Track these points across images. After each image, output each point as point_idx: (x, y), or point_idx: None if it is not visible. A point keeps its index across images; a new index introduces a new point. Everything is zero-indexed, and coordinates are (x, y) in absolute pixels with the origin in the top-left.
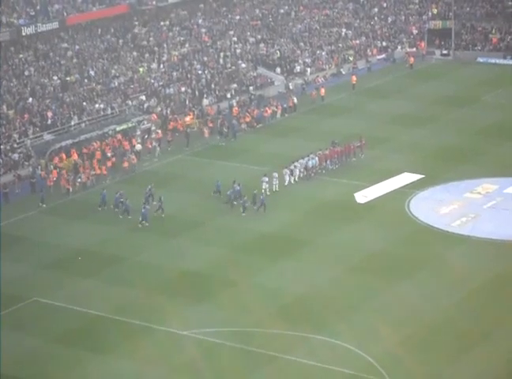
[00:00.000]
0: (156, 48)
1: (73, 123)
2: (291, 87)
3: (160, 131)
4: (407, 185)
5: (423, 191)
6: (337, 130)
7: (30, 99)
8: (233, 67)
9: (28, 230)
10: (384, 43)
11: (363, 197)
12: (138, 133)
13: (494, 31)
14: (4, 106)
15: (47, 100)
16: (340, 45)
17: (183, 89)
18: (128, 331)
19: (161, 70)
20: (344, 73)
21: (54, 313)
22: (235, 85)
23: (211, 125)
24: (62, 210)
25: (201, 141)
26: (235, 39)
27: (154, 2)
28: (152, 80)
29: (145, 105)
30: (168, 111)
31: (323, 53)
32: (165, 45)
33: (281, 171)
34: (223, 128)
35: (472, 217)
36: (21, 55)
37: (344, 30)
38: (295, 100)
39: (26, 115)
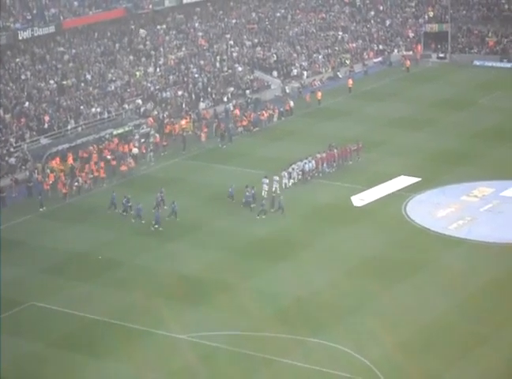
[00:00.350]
0: (152, 52)
1: (69, 127)
2: (287, 90)
3: (157, 135)
4: (404, 188)
5: (419, 194)
6: (334, 133)
7: (27, 103)
8: (230, 71)
9: (25, 234)
10: (380, 47)
11: (359, 200)
12: (137, 137)
13: (490, 34)
14: (0, 111)
15: (44, 104)
16: (337, 48)
17: (180, 93)
18: (125, 335)
19: (158, 74)
20: (340, 76)
21: (51, 317)
22: (231, 89)
23: (205, 130)
24: (59, 214)
25: (198, 145)
26: (231, 42)
27: (150, 6)
28: (149, 84)
29: (142, 109)
30: (165, 115)
31: (320, 56)
32: (162, 49)
33: (280, 174)
34: (219, 131)
35: (468, 220)
36: (18, 59)
37: (340, 33)
38: (292, 104)
39: (23, 119)
